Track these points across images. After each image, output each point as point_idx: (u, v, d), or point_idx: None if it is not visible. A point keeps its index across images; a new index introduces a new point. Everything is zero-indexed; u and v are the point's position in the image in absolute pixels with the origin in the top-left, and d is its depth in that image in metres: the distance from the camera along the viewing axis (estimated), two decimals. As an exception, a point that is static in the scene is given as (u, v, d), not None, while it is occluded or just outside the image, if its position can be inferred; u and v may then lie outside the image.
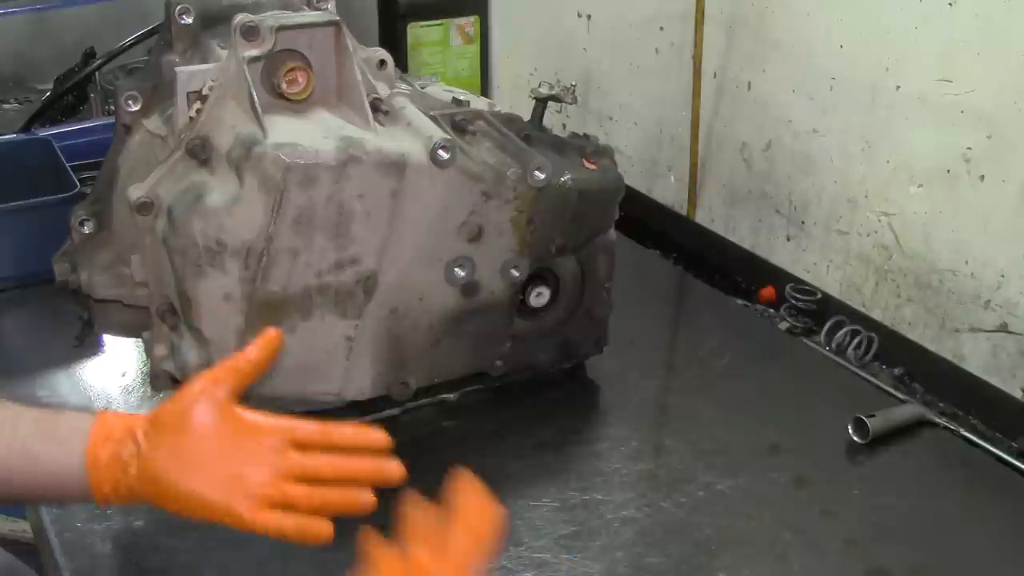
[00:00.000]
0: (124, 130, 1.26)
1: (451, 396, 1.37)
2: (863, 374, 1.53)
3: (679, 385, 1.47)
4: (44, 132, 2.09)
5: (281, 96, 1.16)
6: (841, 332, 1.63)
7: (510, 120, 1.31)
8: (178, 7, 1.25)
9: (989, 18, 1.47)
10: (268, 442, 0.93)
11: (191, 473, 0.90)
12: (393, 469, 0.94)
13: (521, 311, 1.33)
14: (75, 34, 2.90)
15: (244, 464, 0.91)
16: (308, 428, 0.95)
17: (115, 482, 0.91)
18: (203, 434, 0.91)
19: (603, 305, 1.39)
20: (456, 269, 1.23)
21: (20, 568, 1.26)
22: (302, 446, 0.94)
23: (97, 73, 2.44)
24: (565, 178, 1.26)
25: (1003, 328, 1.53)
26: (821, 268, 1.82)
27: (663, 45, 2.08)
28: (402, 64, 2.30)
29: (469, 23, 2.53)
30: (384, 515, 1.17)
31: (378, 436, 0.95)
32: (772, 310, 1.77)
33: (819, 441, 1.31)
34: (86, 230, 1.25)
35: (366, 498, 0.94)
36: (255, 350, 0.95)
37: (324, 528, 0.92)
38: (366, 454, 0.95)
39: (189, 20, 1.25)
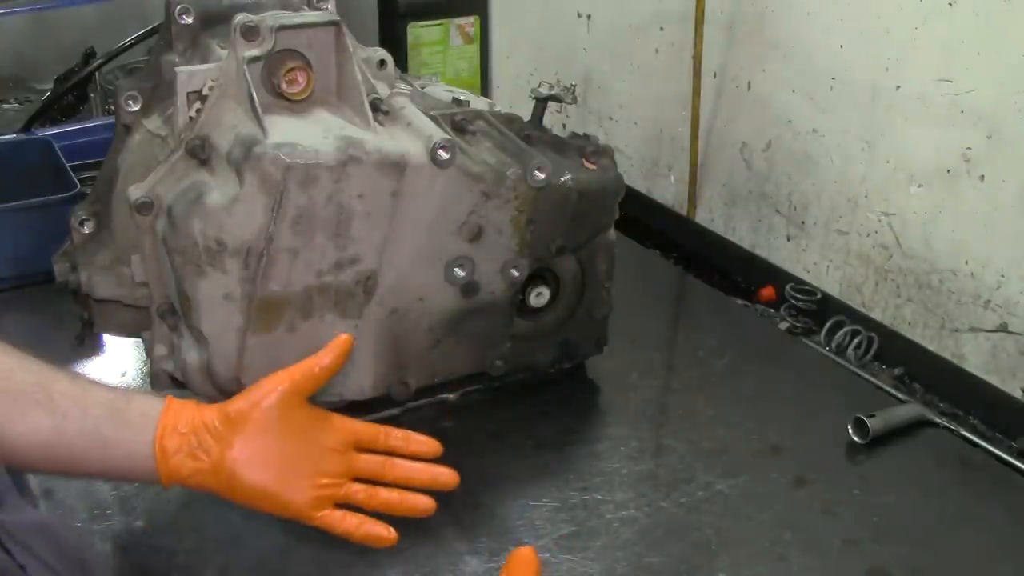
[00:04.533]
0: (124, 130, 1.26)
1: (451, 396, 1.37)
2: (863, 374, 1.53)
3: (679, 385, 1.47)
4: (44, 132, 2.09)
5: (281, 96, 1.16)
6: (841, 332, 1.63)
7: (510, 120, 1.31)
8: (178, 7, 1.25)
9: (989, 18, 1.47)
10: (332, 442, 0.99)
11: (260, 470, 0.95)
12: (447, 475, 1.02)
13: (521, 311, 1.33)
14: (75, 34, 2.90)
15: (310, 463, 0.97)
16: (369, 430, 1.02)
17: (182, 470, 0.95)
18: (273, 433, 0.96)
19: (603, 305, 1.39)
20: (456, 269, 1.23)
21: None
22: (363, 447, 1.01)
23: (97, 73, 2.44)
24: (565, 178, 1.26)
25: (1003, 328, 1.53)
26: (821, 268, 1.82)
27: (663, 45, 2.08)
28: (402, 64, 2.30)
29: (469, 23, 2.53)
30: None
31: (431, 442, 1.03)
32: (772, 310, 1.77)
33: (819, 441, 1.31)
34: (86, 230, 1.25)
35: (425, 502, 1.01)
36: (328, 355, 1.00)
37: (385, 532, 0.98)
38: (419, 458, 1.02)
39: (189, 20, 1.25)
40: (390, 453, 1.02)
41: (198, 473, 0.95)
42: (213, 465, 0.95)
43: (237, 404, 0.97)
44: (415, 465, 1.02)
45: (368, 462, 1.01)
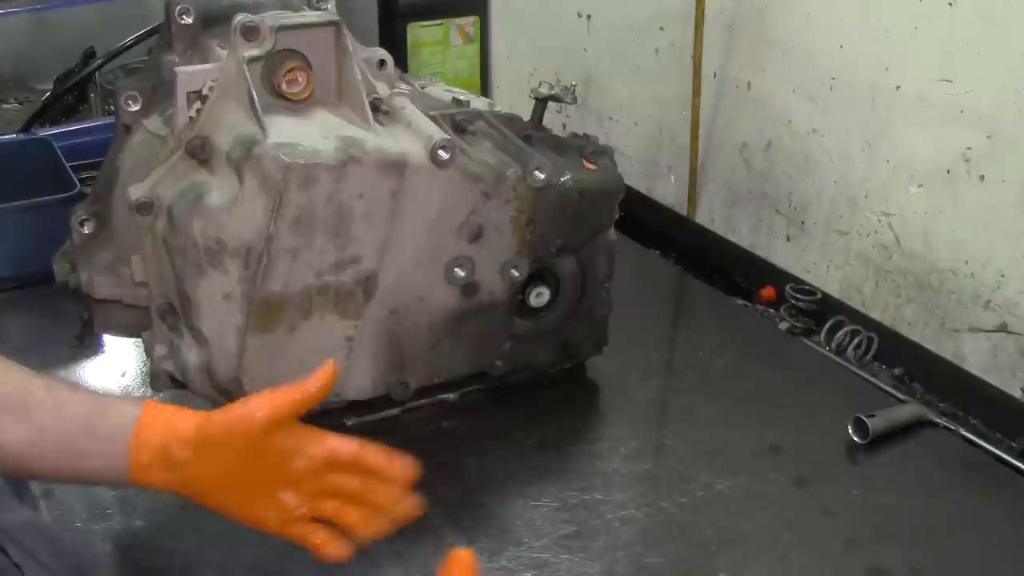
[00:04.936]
0: (124, 130, 1.26)
1: (451, 396, 1.37)
2: (863, 374, 1.53)
3: (679, 385, 1.47)
4: (44, 132, 2.09)
5: (281, 96, 1.16)
6: (841, 332, 1.63)
7: (510, 120, 1.31)
8: (178, 7, 1.25)
9: (989, 18, 1.47)
10: (306, 464, 0.97)
11: (230, 490, 0.96)
12: (408, 507, 0.99)
13: (521, 311, 1.33)
14: (75, 34, 2.90)
15: (281, 485, 0.96)
16: (347, 450, 0.99)
17: (153, 483, 0.95)
18: (246, 453, 0.95)
19: (603, 305, 1.39)
20: (456, 269, 1.23)
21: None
22: (339, 467, 0.99)
23: (97, 73, 2.44)
24: (565, 178, 1.26)
25: (1003, 328, 1.53)
26: (821, 268, 1.82)
27: (663, 45, 2.08)
28: (402, 64, 2.29)
29: (469, 23, 2.54)
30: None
31: (405, 469, 0.99)
32: (772, 310, 1.77)
33: (819, 441, 1.31)
34: (86, 230, 1.25)
35: (379, 526, 0.99)
36: (313, 384, 0.98)
37: (338, 550, 0.97)
38: (391, 482, 0.99)
39: (189, 20, 1.25)
40: (368, 471, 1.01)
41: (169, 484, 0.95)
42: (183, 479, 0.95)
43: (214, 421, 0.96)
44: (382, 491, 0.99)
45: (338, 483, 0.99)
